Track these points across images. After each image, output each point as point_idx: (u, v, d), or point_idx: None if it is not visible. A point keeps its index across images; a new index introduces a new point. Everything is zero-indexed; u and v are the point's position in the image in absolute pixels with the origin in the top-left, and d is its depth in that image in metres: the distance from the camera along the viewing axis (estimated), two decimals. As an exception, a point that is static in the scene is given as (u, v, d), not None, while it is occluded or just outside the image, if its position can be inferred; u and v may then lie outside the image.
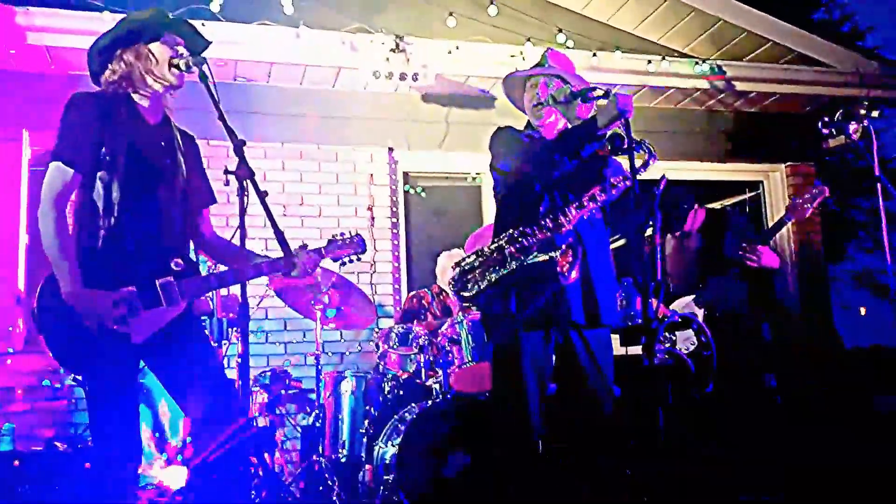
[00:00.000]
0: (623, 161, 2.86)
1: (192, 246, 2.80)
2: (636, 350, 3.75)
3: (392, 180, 5.96)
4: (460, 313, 4.25)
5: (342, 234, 2.92)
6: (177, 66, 2.60)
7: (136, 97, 2.67)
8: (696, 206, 4.79)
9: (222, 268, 2.83)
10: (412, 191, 6.21)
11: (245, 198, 2.33)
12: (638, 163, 2.79)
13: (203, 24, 4.98)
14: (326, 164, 5.82)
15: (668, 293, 4.68)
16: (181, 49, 2.64)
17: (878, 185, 3.43)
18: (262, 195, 2.33)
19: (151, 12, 2.69)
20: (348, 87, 5.78)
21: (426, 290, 5.25)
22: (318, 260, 2.76)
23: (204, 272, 2.80)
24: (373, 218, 5.84)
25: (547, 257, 2.78)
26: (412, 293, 5.31)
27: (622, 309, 2.80)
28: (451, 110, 6.06)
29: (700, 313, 4.49)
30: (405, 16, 5.74)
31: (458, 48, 5.49)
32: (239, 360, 4.52)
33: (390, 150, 5.97)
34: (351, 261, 2.90)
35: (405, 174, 6.14)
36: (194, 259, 2.76)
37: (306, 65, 5.44)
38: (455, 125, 6.05)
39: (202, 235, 2.83)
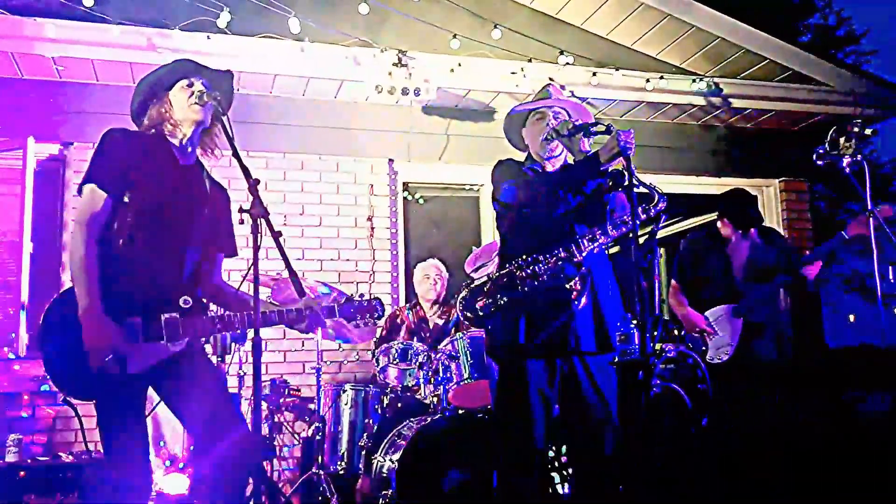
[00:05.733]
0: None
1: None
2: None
3: (392, 191, 6.03)
4: (459, 332, 4.32)
5: (360, 297, 2.85)
6: (195, 103, 2.69)
7: (170, 139, 2.78)
8: None
9: None
10: (410, 198, 6.28)
11: (259, 236, 2.38)
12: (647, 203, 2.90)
13: (209, 38, 5.06)
14: (327, 174, 5.88)
15: (705, 300, 4.82)
16: (196, 86, 2.72)
17: (871, 218, 3.52)
18: (276, 235, 2.38)
19: (169, 65, 2.80)
20: (350, 98, 5.84)
21: (405, 306, 5.33)
22: (324, 320, 2.74)
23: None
24: (372, 228, 5.91)
25: (567, 285, 2.87)
26: (389, 312, 5.37)
27: (621, 343, 2.87)
28: (451, 122, 6.12)
29: (738, 324, 4.61)
30: (409, 31, 5.80)
31: (460, 65, 5.55)
32: (241, 372, 4.63)
33: (390, 161, 6.03)
34: (366, 324, 2.82)
35: (405, 185, 6.21)
36: (203, 300, 2.79)
37: (309, 77, 5.50)
38: (455, 137, 6.12)
39: (210, 281, 2.86)
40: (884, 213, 4.09)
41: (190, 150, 2.82)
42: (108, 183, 2.61)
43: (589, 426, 3.02)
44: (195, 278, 2.76)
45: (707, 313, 4.74)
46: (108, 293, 2.55)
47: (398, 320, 5.20)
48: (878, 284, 3.73)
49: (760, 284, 4.66)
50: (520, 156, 3.37)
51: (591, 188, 3.02)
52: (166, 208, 2.67)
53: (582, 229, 3.02)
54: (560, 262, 2.96)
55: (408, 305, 5.31)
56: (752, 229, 4.92)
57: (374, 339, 5.22)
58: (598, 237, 2.97)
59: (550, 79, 5.51)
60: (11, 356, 4.89)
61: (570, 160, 3.21)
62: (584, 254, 2.97)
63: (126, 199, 2.62)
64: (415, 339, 4.94)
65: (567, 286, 2.97)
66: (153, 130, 2.77)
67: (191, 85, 2.76)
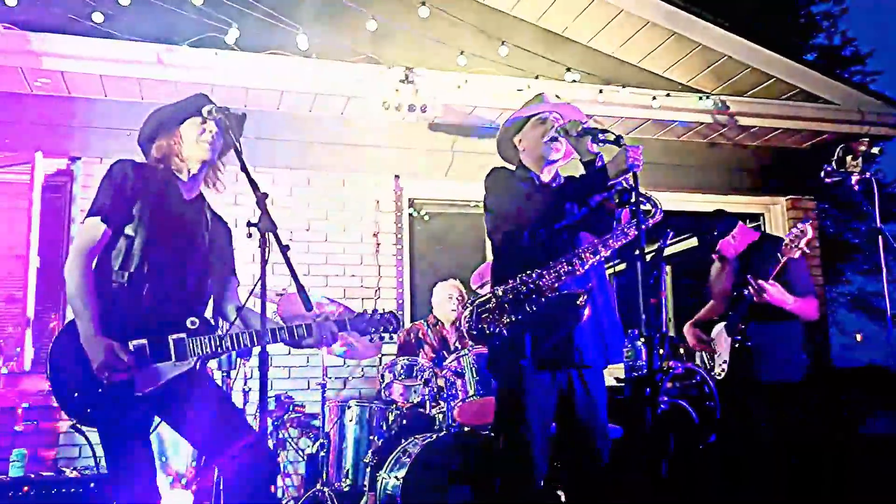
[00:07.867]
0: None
1: (209, 310, 2.91)
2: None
3: (397, 207, 6.03)
4: (465, 348, 4.30)
5: (374, 311, 2.84)
6: (204, 141, 2.74)
7: (176, 172, 2.83)
8: (735, 230, 4.44)
9: None
10: (416, 214, 6.27)
11: (267, 250, 2.38)
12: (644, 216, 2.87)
13: (216, 54, 5.09)
14: (333, 190, 5.89)
15: (711, 320, 4.62)
16: (208, 125, 2.77)
17: (880, 237, 3.49)
18: (284, 249, 2.38)
19: (183, 100, 2.82)
20: (357, 114, 5.85)
21: (422, 321, 5.30)
22: (337, 333, 2.74)
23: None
24: (378, 244, 5.91)
25: (578, 300, 2.84)
26: (407, 327, 5.34)
27: (629, 360, 2.85)
28: (456, 139, 6.13)
29: (729, 342, 4.27)
30: (415, 48, 5.82)
31: (466, 81, 5.57)
32: (246, 387, 4.62)
33: (396, 177, 6.04)
34: (381, 338, 2.80)
35: (411, 201, 6.20)
36: (211, 321, 2.81)
37: (316, 93, 5.52)
38: (460, 154, 6.13)
39: (226, 306, 2.92)
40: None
41: (195, 184, 2.87)
42: (111, 217, 2.66)
43: (585, 440, 2.99)
44: (198, 300, 2.81)
45: (714, 329, 4.60)
46: (113, 321, 2.59)
47: (418, 335, 5.16)
48: (888, 303, 3.67)
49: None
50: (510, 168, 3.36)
51: (596, 202, 3.00)
52: (171, 241, 2.72)
53: (583, 242, 3.00)
54: (563, 276, 2.93)
55: (426, 323, 5.27)
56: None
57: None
58: (599, 249, 2.95)
59: (557, 96, 5.52)
60: (17, 371, 4.88)
61: (563, 171, 3.22)
62: (586, 266, 2.94)
63: (131, 232, 2.67)
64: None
65: (572, 301, 2.94)
66: (161, 165, 2.81)
67: (203, 122, 2.79)
